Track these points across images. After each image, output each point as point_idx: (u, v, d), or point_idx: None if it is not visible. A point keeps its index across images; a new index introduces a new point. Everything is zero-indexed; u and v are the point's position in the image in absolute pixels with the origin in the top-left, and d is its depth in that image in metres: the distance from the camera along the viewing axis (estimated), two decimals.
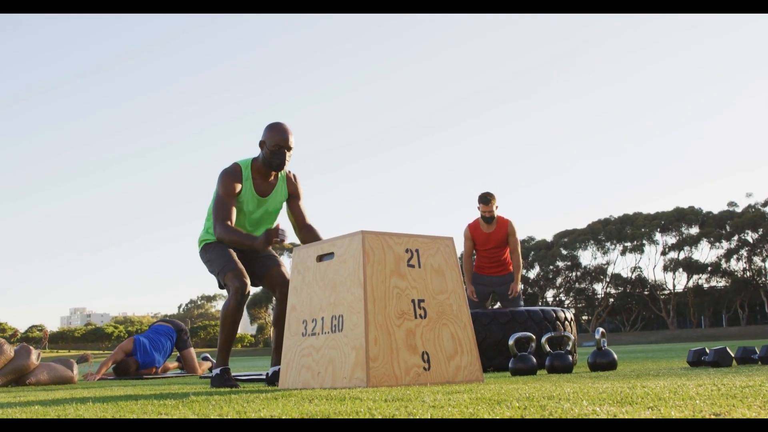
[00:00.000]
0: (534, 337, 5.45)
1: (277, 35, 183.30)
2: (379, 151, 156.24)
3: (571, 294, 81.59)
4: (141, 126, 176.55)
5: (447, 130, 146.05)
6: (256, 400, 2.88)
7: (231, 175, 4.90)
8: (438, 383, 3.76)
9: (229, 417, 2.18)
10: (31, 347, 7.03)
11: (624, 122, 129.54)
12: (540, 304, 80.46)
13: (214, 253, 4.95)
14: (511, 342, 5.29)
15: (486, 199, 8.13)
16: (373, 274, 3.79)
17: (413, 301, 3.89)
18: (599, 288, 79.76)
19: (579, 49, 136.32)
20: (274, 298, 5.10)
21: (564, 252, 79.20)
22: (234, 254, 4.93)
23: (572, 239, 78.72)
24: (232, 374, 5.36)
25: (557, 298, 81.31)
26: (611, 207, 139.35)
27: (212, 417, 2.20)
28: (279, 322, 4.86)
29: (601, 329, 5.48)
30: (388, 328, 3.74)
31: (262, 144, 4.89)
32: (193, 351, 9.09)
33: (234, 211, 4.88)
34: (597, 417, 1.78)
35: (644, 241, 75.28)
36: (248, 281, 4.78)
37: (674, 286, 75.62)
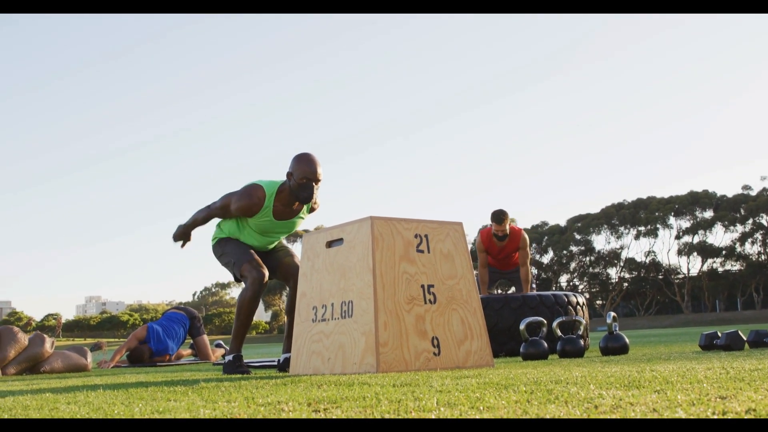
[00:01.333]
0: (545, 321, 5.45)
1: (285, 22, 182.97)
2: (392, 137, 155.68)
3: (585, 279, 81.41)
4: (156, 113, 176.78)
5: (460, 116, 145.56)
6: (266, 386, 2.89)
7: (249, 201, 4.79)
8: (448, 368, 3.77)
9: (237, 403, 2.19)
10: (45, 335, 7.07)
11: (638, 107, 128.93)
12: (554, 289, 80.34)
13: (229, 246, 4.97)
14: (522, 327, 5.29)
15: (499, 218, 8.00)
16: (383, 260, 3.79)
17: (423, 286, 3.89)
18: (613, 272, 79.55)
19: (594, 33, 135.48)
20: (287, 287, 5.11)
21: (577, 237, 78.92)
22: (250, 248, 4.96)
23: (586, 224, 78.43)
24: (245, 361, 5.39)
25: (571, 283, 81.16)
26: (625, 191, 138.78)
27: (221, 403, 2.21)
28: (292, 311, 4.87)
29: (612, 314, 5.47)
30: (397, 313, 3.74)
31: (289, 175, 4.74)
32: (206, 338, 9.12)
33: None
34: (601, 407, 1.78)
35: (658, 225, 74.90)
36: (266, 272, 4.79)
37: (689, 270, 75.28)
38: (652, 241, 76.35)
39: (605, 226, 77.75)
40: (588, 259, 79.56)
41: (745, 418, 1.48)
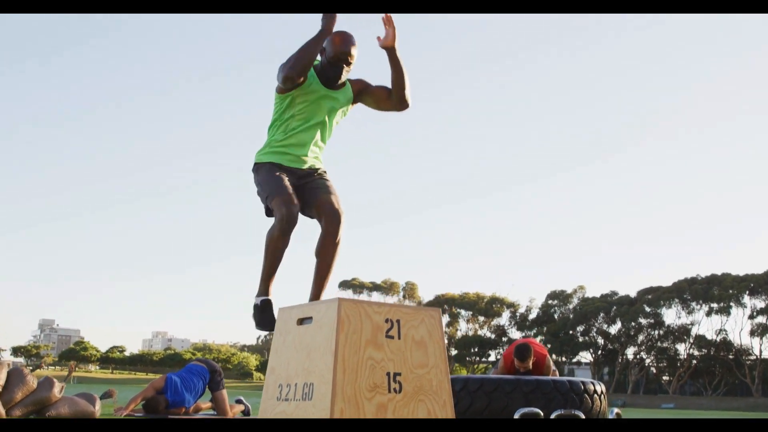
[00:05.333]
0: (541, 414, 5.23)
1: None
2: (458, 200, 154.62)
3: (653, 353, 79.45)
4: (226, 147, 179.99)
5: (536, 182, 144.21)
6: None
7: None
8: None
9: None
10: (54, 380, 7.10)
11: (716, 187, 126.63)
12: (620, 361, 78.59)
13: (264, 176, 4.61)
14: (516, 417, 5.08)
15: (523, 356, 7.53)
16: (347, 343, 3.66)
17: (388, 374, 3.73)
18: (682, 348, 77.47)
19: (669, 107, 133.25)
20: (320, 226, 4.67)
21: (647, 309, 77.19)
22: (286, 179, 4.56)
23: (656, 296, 76.75)
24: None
25: (638, 356, 79.21)
26: (698, 266, 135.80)
27: None
28: (319, 254, 4.58)
29: (616, 410, 5.24)
30: (357, 401, 3.60)
31: (322, 51, 4.57)
32: (225, 393, 9.03)
33: None
34: None
35: (731, 303, 72.81)
36: (296, 210, 4.45)
37: (761, 351, 72.74)
38: (725, 319, 74.27)
39: (676, 300, 76.00)
40: (657, 332, 77.72)
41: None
